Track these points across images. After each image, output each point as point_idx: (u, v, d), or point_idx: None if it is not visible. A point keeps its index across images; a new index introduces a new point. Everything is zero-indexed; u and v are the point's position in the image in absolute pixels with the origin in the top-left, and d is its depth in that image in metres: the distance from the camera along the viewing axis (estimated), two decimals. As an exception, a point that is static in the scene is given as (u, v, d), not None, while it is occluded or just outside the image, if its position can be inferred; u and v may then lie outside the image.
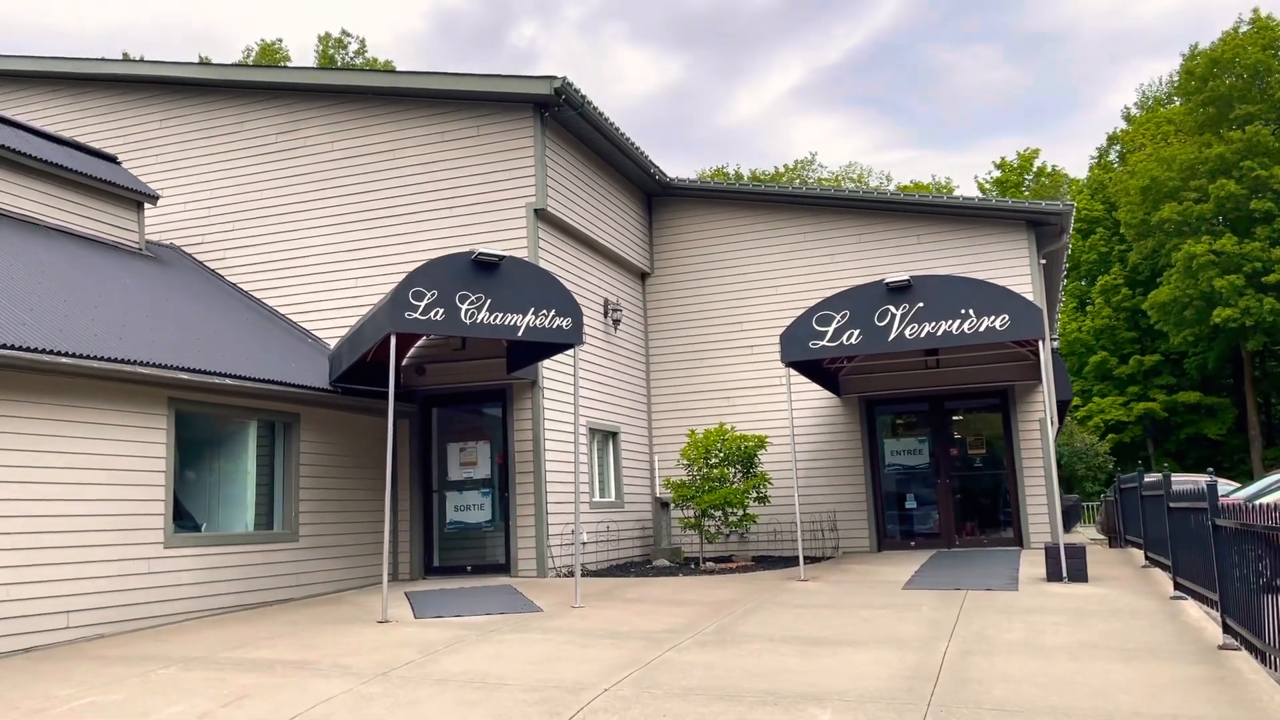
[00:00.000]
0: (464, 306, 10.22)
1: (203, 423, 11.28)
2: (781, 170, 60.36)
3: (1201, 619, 8.58)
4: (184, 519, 11.03)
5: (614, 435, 15.87)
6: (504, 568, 13.37)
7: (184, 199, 15.59)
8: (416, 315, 10.03)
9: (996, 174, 58.68)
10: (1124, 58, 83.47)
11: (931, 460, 16.48)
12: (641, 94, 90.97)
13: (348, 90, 15.02)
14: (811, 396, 16.46)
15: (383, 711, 6.25)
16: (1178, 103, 47.26)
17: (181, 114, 15.86)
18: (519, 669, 7.35)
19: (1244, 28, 42.77)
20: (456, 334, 10.62)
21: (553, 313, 10.60)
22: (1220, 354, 44.44)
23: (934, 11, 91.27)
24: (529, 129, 13.90)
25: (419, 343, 13.66)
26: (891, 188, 59.37)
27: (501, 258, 10.47)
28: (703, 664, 7.39)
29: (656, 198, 17.90)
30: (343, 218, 14.70)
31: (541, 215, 13.91)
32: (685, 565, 14.66)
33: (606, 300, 15.96)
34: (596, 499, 15.04)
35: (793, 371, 13.77)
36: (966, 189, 64.42)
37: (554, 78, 13.35)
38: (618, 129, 15.00)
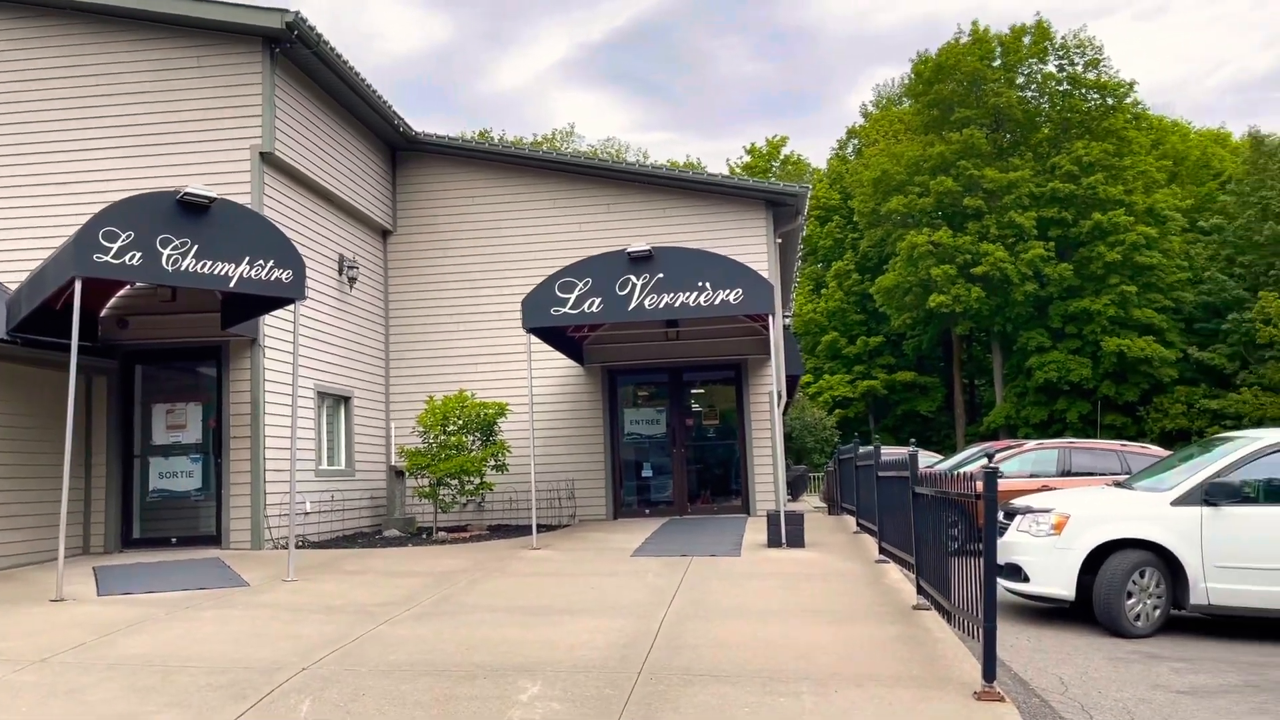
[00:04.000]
0: (166, 251, 9.20)
1: None
2: (541, 139, 59.99)
3: (900, 581, 9.13)
4: None
5: (346, 400, 15.04)
6: (215, 539, 12.33)
7: None
8: (108, 259, 8.92)
9: (746, 159, 61.11)
10: (865, 59, 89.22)
11: (669, 430, 16.80)
12: (402, 53, 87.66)
13: (43, 3, 13.19)
14: (555, 365, 16.32)
15: (34, 704, 5.46)
16: (908, 104, 50.93)
17: None
18: (210, 649, 6.69)
19: (964, 38, 46.62)
20: (157, 282, 9.58)
21: (271, 264, 9.76)
22: (933, 337, 48.59)
23: (694, 1, 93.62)
24: (257, 65, 12.77)
25: (121, 292, 12.29)
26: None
27: (212, 199, 9.50)
28: (416, 638, 7.02)
29: (402, 152, 17.08)
30: (37, 146, 12.94)
31: (269, 160, 12.85)
32: (417, 535, 14.16)
33: (342, 256, 15.05)
34: (324, 467, 14.21)
35: (535, 338, 13.53)
36: (719, 172, 66.70)
37: (285, 11, 12.32)
38: (358, 74, 14.11)
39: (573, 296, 12.38)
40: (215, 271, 9.45)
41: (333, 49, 13.27)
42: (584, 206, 16.83)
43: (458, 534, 14.00)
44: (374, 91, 14.70)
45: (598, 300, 12.34)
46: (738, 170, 60.59)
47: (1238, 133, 55.52)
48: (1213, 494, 8.51)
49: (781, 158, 60.70)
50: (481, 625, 7.46)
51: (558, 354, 15.73)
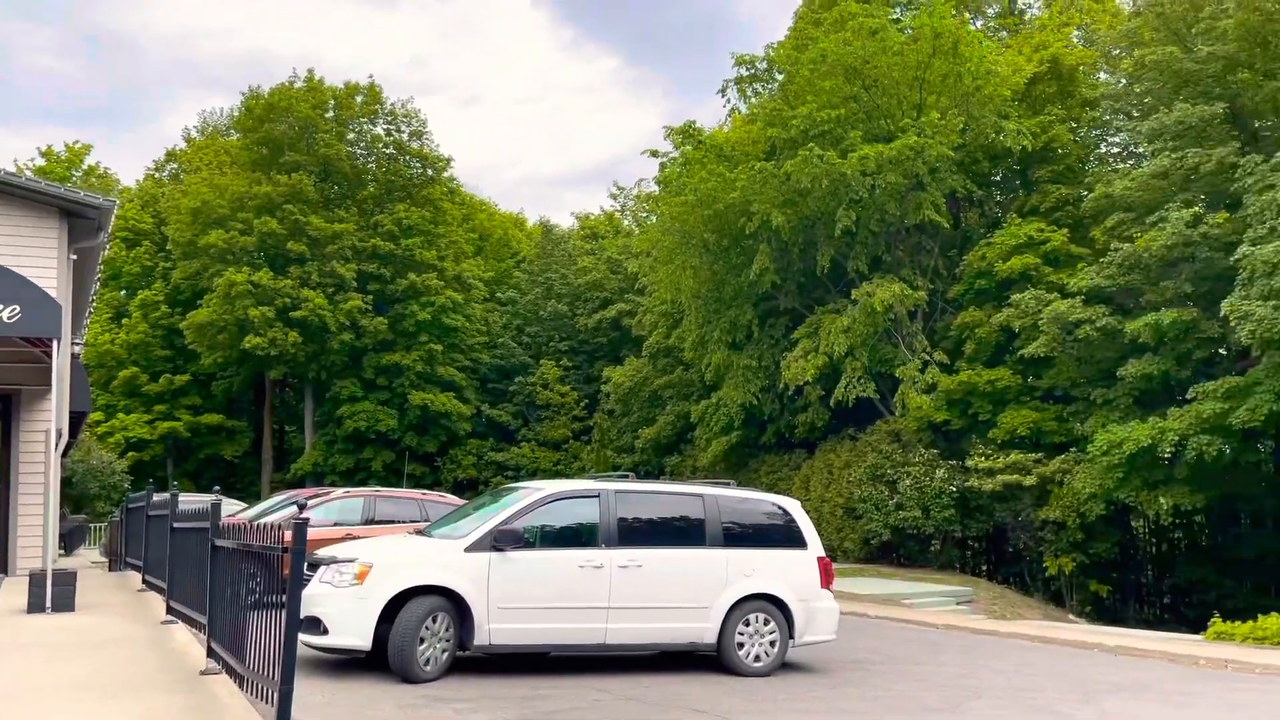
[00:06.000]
0: None
1: None
2: None
3: (190, 643, 8.35)
4: None
5: None
6: None
7: None
8: None
9: (41, 162, 53.37)
10: (188, 82, 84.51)
11: (-99, 473, 13.50)
12: None
13: None
14: None
15: None
16: (236, 136, 49.17)
17: None
18: None
19: (299, 84, 46.64)
20: None
21: None
22: (246, 379, 46.99)
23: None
24: None
25: None
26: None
27: None
28: None
29: None
30: None
31: None
32: None
33: None
34: None
35: None
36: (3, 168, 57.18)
37: None
38: None
39: None
40: None
41: None
42: None
43: None
44: None
45: None
46: (27, 172, 52.53)
47: (532, 219, 64.02)
48: (500, 540, 9.25)
49: (85, 168, 54.13)
50: None
51: None
